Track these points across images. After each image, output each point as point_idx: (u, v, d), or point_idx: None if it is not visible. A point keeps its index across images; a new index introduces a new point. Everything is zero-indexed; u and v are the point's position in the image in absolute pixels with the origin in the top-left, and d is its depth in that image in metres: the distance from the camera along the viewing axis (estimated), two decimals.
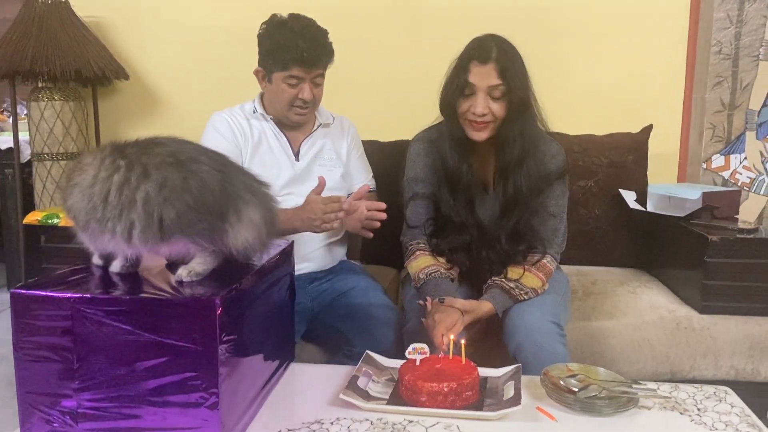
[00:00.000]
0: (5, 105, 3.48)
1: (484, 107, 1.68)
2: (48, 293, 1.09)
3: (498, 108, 1.69)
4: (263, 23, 1.87)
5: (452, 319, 1.59)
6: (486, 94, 1.68)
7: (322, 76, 1.89)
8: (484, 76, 1.67)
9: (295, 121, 1.93)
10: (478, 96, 1.68)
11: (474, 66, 1.68)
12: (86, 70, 2.70)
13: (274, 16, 1.86)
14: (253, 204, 1.23)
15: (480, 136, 1.73)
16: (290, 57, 1.79)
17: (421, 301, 1.72)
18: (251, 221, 1.21)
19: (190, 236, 1.16)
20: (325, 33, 1.86)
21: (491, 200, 1.82)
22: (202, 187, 1.14)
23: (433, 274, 1.76)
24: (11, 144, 2.97)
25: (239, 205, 1.20)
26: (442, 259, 1.82)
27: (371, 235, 1.85)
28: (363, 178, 2.09)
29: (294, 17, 1.84)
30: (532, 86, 1.74)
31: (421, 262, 1.80)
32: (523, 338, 1.60)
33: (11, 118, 2.98)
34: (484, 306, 1.68)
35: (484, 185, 1.84)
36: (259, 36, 1.88)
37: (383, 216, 1.79)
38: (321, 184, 1.81)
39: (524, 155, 1.73)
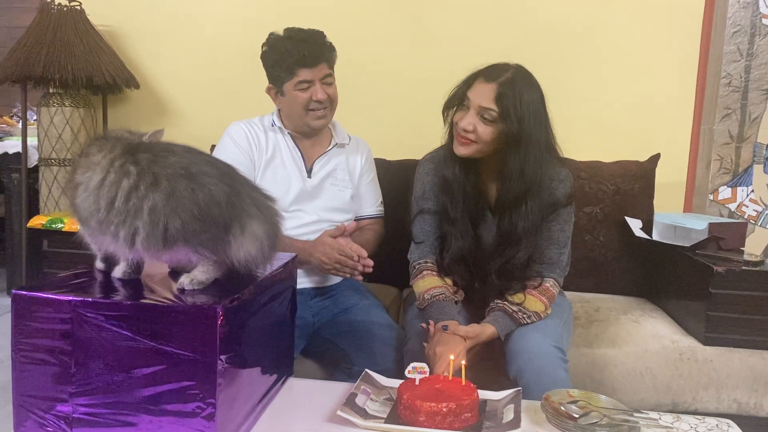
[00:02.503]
0: (15, 110, 3.50)
1: (469, 124, 1.66)
2: (49, 295, 1.09)
3: (485, 131, 1.66)
4: (263, 44, 1.90)
5: (455, 352, 1.54)
6: (477, 113, 1.66)
7: (331, 75, 1.91)
8: (481, 95, 1.66)
9: (315, 126, 1.92)
10: (469, 112, 1.67)
11: (478, 82, 1.68)
12: (98, 77, 2.73)
13: (271, 34, 1.90)
14: (258, 218, 1.23)
15: (460, 150, 1.71)
16: (293, 60, 1.83)
17: (424, 324, 1.71)
18: (254, 235, 1.22)
19: (192, 245, 1.16)
20: (322, 34, 1.89)
21: (493, 224, 1.81)
22: (209, 199, 1.15)
23: (437, 297, 1.74)
24: (19, 148, 2.98)
25: (243, 219, 1.21)
26: (449, 281, 1.81)
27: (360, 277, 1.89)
28: (372, 202, 2.09)
29: (291, 30, 1.89)
30: (545, 129, 1.69)
31: (428, 283, 1.79)
32: (525, 362, 1.59)
33: (21, 123, 2.99)
34: (487, 330, 1.66)
35: (489, 207, 1.83)
36: (262, 56, 1.91)
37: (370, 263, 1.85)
38: (340, 229, 1.82)
39: (524, 196, 1.69)
